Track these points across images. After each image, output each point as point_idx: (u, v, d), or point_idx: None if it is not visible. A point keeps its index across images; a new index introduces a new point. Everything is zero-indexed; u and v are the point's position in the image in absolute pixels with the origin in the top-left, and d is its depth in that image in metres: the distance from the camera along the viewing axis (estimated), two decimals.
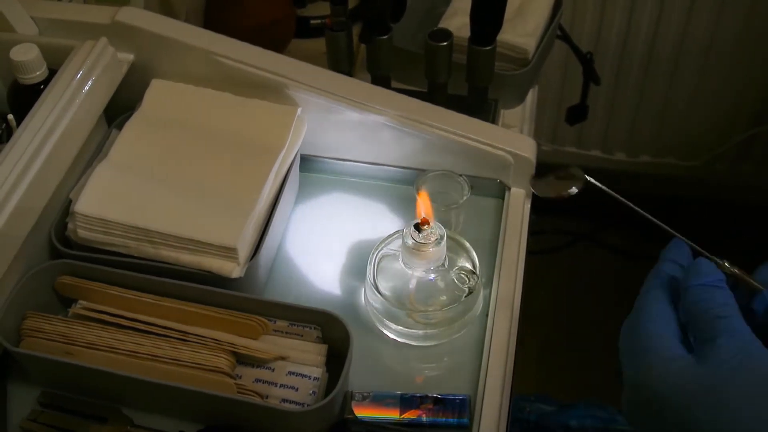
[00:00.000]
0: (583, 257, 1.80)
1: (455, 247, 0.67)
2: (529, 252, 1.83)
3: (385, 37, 0.81)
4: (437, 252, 0.62)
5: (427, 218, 0.62)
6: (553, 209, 1.79)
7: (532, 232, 1.85)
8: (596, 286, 1.75)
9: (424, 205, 0.63)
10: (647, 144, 1.58)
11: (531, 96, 1.34)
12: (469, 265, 0.66)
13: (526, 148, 0.73)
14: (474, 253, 0.67)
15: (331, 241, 0.74)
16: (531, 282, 1.82)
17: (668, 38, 1.40)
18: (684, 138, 1.56)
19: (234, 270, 0.64)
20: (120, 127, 0.73)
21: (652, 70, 1.45)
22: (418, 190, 0.68)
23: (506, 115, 0.91)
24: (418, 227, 0.62)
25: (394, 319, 0.65)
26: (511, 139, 0.74)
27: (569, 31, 1.38)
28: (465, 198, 0.70)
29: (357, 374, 0.62)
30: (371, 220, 0.76)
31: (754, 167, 1.59)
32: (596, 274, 1.77)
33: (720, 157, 1.58)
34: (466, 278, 0.64)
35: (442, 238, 0.62)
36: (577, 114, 1.28)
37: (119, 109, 0.75)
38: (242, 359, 0.62)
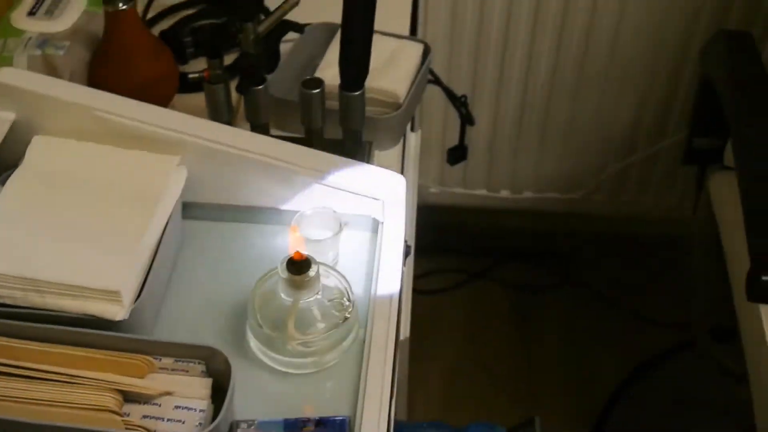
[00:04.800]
0: (481, 293, 1.87)
1: (330, 278, 0.71)
2: (427, 291, 1.89)
3: (261, 87, 0.86)
4: (311, 283, 0.67)
5: (299, 252, 0.66)
6: (447, 249, 1.87)
7: (428, 273, 1.90)
8: (495, 319, 1.82)
9: (296, 241, 0.67)
10: (529, 180, 1.67)
11: (415, 140, 1.41)
12: (343, 294, 0.70)
13: (396, 184, 0.79)
14: (347, 283, 0.71)
15: (218, 282, 0.78)
16: (430, 320, 1.88)
17: (539, 79, 1.49)
18: (562, 172, 1.65)
19: (118, 313, 0.67)
20: (3, 183, 0.75)
21: (527, 109, 1.54)
22: (292, 228, 0.72)
23: (382, 156, 0.97)
24: (291, 261, 0.66)
25: (276, 349, 0.68)
26: (381, 176, 0.79)
27: (447, 75, 1.47)
28: (338, 233, 0.75)
29: (243, 404, 0.66)
30: (254, 260, 0.79)
31: (631, 196, 1.69)
32: (494, 308, 1.84)
33: (598, 189, 1.67)
34: (341, 306, 0.68)
35: (315, 270, 0.66)
36: (457, 155, 1.35)
37: (2, 167, 0.78)
38: (130, 397, 0.64)
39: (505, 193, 1.69)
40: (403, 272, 0.80)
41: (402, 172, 1.29)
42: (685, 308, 1.56)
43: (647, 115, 1.55)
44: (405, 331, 1.07)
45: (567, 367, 1.74)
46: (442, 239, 1.89)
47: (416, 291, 1.83)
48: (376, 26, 1.03)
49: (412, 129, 1.54)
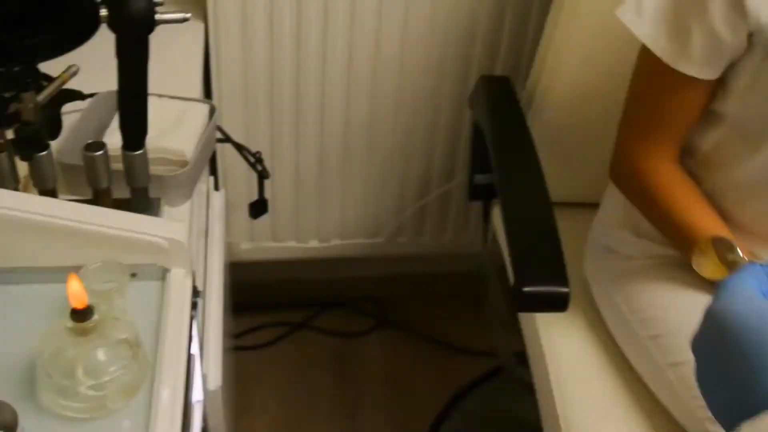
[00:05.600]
0: (303, 344, 1.92)
1: (118, 325, 0.75)
2: (251, 347, 1.91)
3: (44, 153, 0.89)
4: (96, 329, 0.70)
5: (81, 301, 0.70)
6: (266, 304, 1.92)
7: (251, 329, 1.92)
8: (319, 367, 1.87)
9: (77, 292, 0.71)
10: (335, 228, 1.74)
11: (218, 199, 1.46)
12: (131, 340, 0.74)
13: (179, 232, 0.84)
14: (135, 329, 0.75)
15: (10, 343, 0.80)
16: (256, 375, 1.90)
17: (333, 131, 1.58)
18: (366, 218, 1.74)
19: None
20: None
21: (325, 161, 1.62)
22: (74, 278, 0.75)
23: (173, 212, 1.02)
24: (74, 310, 0.70)
25: (67, 397, 0.71)
26: (165, 226, 0.84)
27: (245, 133, 1.54)
28: (124, 283, 0.79)
29: None
30: (42, 316, 0.82)
31: (430, 235, 1.80)
32: (317, 356, 1.89)
33: (400, 231, 1.77)
34: (129, 350, 0.72)
35: (97, 317, 0.70)
36: (258, 208, 1.41)
37: None
38: None
39: (313, 243, 1.76)
40: (197, 317, 0.85)
41: (206, 231, 1.34)
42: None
43: (437, 157, 1.66)
44: (216, 381, 1.10)
45: (391, 404, 1.81)
46: (260, 295, 1.94)
47: (240, 348, 1.87)
48: (166, 90, 1.10)
49: (216, 188, 1.60)
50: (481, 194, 1.42)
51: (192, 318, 0.84)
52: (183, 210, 1.03)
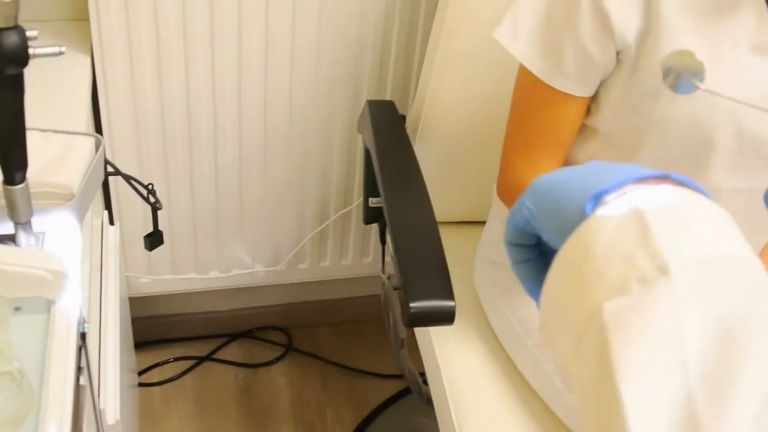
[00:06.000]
0: (209, 376, 1.91)
1: (1, 358, 0.75)
2: (156, 383, 1.89)
3: None
4: None
5: None
6: (171, 338, 1.90)
7: (156, 364, 1.90)
8: (226, 399, 1.86)
9: None
10: (235, 258, 1.75)
11: (113, 233, 1.45)
12: (13, 372, 0.74)
13: (61, 264, 0.84)
14: (20, 360, 0.75)
15: None
16: (163, 410, 1.89)
17: (228, 160, 1.58)
18: (266, 246, 1.75)
19: None
20: None
21: (221, 189, 1.62)
22: None
23: (60, 245, 1.01)
24: None
25: None
26: (47, 259, 0.84)
27: (138, 165, 1.53)
28: (5, 316, 0.79)
29: None
30: None
31: (331, 261, 1.82)
32: (224, 388, 1.88)
33: (301, 258, 1.79)
34: (13, 382, 0.72)
35: None
36: (153, 240, 1.41)
37: None
38: None
39: (214, 273, 1.76)
40: (86, 348, 0.85)
41: (101, 266, 1.34)
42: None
43: (334, 182, 1.68)
44: (114, 415, 1.09)
45: None
46: (164, 329, 1.92)
47: (146, 384, 1.85)
48: (52, 124, 1.10)
49: (111, 222, 1.58)
50: (376, 217, 1.44)
51: (80, 349, 0.84)
52: (70, 243, 1.03)
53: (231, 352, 1.96)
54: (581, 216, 0.52)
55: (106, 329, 1.24)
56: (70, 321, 0.83)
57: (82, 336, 0.86)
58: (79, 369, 0.82)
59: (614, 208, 0.50)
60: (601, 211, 0.51)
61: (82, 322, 0.86)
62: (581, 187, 0.54)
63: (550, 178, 0.59)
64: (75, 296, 0.85)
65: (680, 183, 0.53)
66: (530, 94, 1.06)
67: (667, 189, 0.51)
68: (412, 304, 0.97)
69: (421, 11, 1.50)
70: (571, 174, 0.58)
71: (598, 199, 0.52)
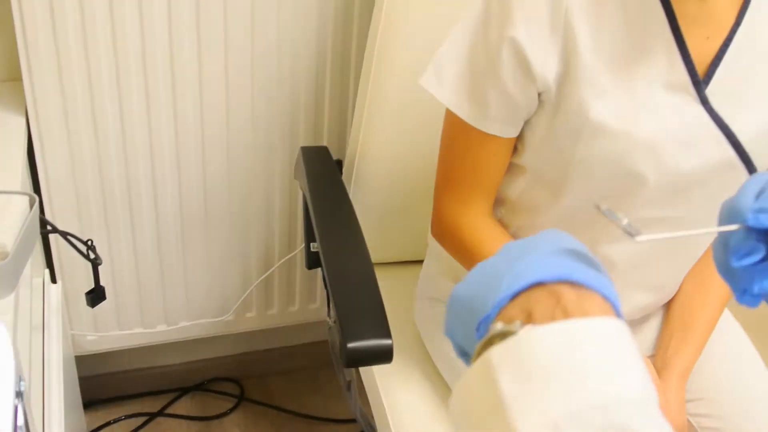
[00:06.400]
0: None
1: None
2: None
3: None
4: None
5: None
6: (121, 395, 1.89)
7: (107, 423, 1.88)
8: None
9: None
10: (181, 310, 1.74)
11: (55, 292, 1.45)
12: None
13: None
14: None
15: None
16: None
17: (169, 214, 1.59)
18: (211, 297, 1.75)
19: None
20: None
21: (163, 243, 1.63)
22: None
23: None
24: None
25: None
26: None
27: (78, 221, 1.53)
28: None
29: None
30: None
31: (279, 308, 1.82)
32: None
33: (247, 307, 1.79)
34: None
35: None
36: (95, 296, 1.40)
37: None
38: None
39: (161, 327, 1.75)
40: (21, 405, 0.85)
41: (43, 325, 1.33)
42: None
43: (276, 229, 1.70)
44: None
45: None
46: (114, 386, 1.90)
47: None
48: None
49: (53, 281, 1.58)
50: (319, 262, 1.46)
51: (16, 407, 0.84)
52: (7, 303, 1.03)
53: (183, 406, 1.95)
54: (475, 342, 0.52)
55: (50, 389, 1.23)
56: (6, 380, 0.83)
57: (18, 394, 0.85)
58: (15, 429, 0.82)
59: (495, 356, 0.48)
60: (473, 366, 0.50)
61: (18, 380, 0.85)
62: (482, 299, 0.54)
63: (456, 291, 0.58)
64: (9, 355, 0.85)
65: (577, 284, 0.51)
66: (458, 137, 1.09)
67: (548, 333, 0.48)
68: (349, 345, 0.98)
69: (352, 56, 1.54)
70: (476, 281, 0.56)
71: (486, 323, 0.52)
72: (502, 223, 1.16)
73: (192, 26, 1.41)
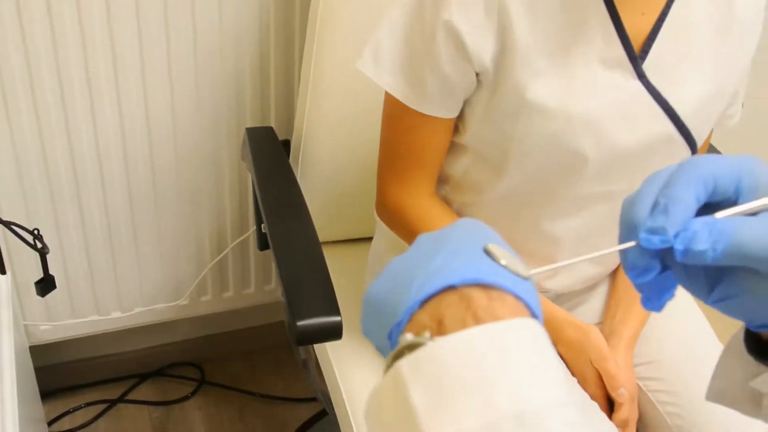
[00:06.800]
0: (123, 419, 1.89)
1: None
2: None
3: None
4: None
5: None
6: (80, 384, 1.88)
7: (66, 412, 1.88)
8: None
9: None
10: (135, 296, 1.73)
11: (5, 282, 1.43)
12: None
13: None
14: None
15: None
16: None
17: (117, 200, 1.58)
18: (165, 282, 1.74)
19: None
20: None
21: (114, 230, 1.61)
22: None
23: None
24: None
25: None
26: None
27: (24, 211, 1.51)
28: None
29: None
30: None
31: (234, 291, 1.82)
32: (139, 430, 1.86)
33: (202, 291, 1.79)
34: None
35: None
36: (45, 286, 1.39)
37: None
38: None
39: (116, 314, 1.74)
40: None
41: None
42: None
43: (228, 211, 1.69)
44: None
45: None
46: (72, 375, 1.89)
47: None
48: None
49: (2, 272, 1.56)
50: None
51: None
52: None
53: (143, 392, 1.94)
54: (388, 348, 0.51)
55: (2, 381, 1.22)
56: None
57: None
58: None
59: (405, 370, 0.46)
60: (383, 379, 0.48)
61: None
62: (392, 304, 0.52)
63: (370, 291, 0.56)
64: None
65: (488, 286, 0.49)
66: (397, 119, 1.09)
67: (457, 343, 0.46)
68: (298, 323, 0.99)
69: (296, 35, 1.53)
70: (389, 279, 0.54)
71: (398, 330, 0.50)
72: (447, 201, 1.17)
73: (132, 9, 1.40)
